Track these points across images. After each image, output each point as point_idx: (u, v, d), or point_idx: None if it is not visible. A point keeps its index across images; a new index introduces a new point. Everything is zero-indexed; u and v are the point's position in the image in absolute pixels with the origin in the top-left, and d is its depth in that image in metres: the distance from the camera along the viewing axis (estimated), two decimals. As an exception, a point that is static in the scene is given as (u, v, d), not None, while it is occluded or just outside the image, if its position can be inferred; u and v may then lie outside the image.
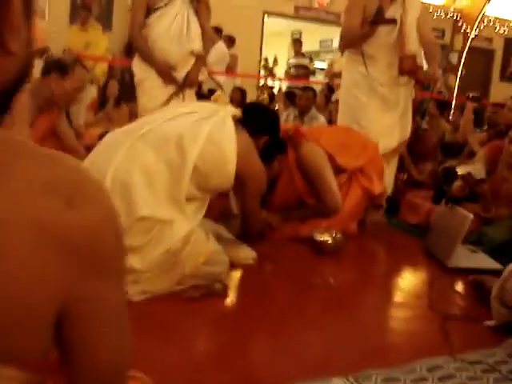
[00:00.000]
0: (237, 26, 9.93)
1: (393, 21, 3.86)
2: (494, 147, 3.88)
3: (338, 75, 9.54)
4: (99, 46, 7.61)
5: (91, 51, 7.44)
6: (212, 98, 2.84)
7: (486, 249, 3.35)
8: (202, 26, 4.05)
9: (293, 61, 10.32)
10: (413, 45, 3.94)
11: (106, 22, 9.57)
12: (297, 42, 10.74)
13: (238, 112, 2.78)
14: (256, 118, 3.03)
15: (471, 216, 3.00)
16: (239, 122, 2.79)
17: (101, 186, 0.72)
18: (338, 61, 9.97)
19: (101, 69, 7.54)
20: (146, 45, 3.94)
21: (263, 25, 10.95)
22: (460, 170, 3.45)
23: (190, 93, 4.11)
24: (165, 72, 3.95)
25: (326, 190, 3.43)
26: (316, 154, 3.47)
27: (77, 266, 0.65)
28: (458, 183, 3.62)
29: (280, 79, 9.71)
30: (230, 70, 9.06)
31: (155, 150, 2.42)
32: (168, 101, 3.95)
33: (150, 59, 3.96)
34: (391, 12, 3.92)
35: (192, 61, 4.03)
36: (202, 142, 2.45)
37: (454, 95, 10.11)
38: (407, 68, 3.91)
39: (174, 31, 3.90)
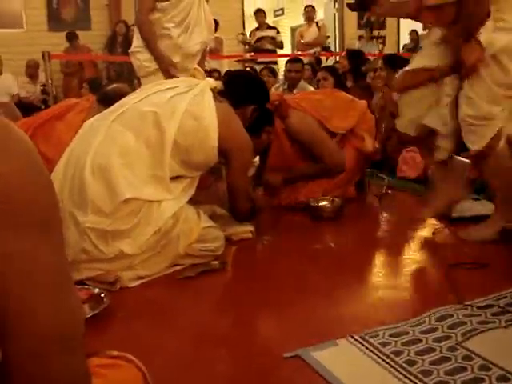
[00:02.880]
0: (217, 7, 9.80)
1: None
2: None
3: (308, 46, 9.16)
4: None
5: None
6: (189, 73, 2.73)
7: (489, 196, 3.26)
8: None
9: (259, 33, 9.44)
10: None
11: (85, 22, 9.54)
12: (259, 13, 9.60)
13: (218, 83, 2.68)
14: (238, 86, 2.88)
15: (469, 162, 2.91)
16: (221, 94, 2.70)
17: (22, 137, 0.67)
18: (306, 31, 9.62)
19: None
20: (153, 34, 3.69)
21: (243, 4, 10.82)
22: None
23: None
24: (166, 69, 3.72)
25: (326, 151, 3.37)
26: (306, 121, 3.40)
27: None
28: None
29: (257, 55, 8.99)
30: (217, 52, 8.90)
31: (133, 130, 2.35)
32: None
33: (156, 52, 3.70)
34: None
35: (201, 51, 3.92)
36: (179, 117, 2.36)
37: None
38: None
39: (191, 21, 3.75)
